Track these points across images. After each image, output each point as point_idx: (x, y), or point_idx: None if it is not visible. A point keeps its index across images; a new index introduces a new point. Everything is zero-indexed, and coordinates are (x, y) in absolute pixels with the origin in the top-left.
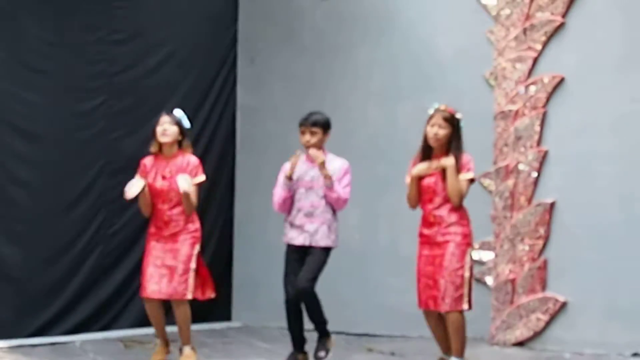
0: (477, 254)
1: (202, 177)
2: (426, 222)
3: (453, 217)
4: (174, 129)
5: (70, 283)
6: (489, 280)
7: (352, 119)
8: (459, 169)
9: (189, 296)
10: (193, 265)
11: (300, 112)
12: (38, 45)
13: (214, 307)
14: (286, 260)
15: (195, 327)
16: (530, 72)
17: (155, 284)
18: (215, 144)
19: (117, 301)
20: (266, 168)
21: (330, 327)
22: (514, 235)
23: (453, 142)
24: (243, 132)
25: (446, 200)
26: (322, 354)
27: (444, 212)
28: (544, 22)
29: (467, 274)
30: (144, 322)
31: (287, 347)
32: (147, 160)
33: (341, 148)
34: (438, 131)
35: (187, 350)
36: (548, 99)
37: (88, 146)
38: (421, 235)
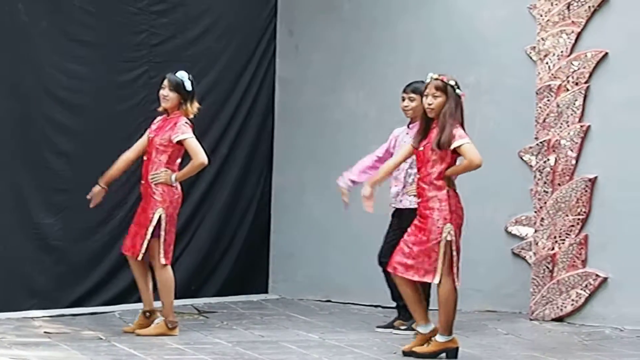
0: (517, 229)
1: (183, 136)
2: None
3: (433, 192)
4: (172, 95)
5: (110, 254)
6: (529, 255)
7: (391, 93)
8: (441, 144)
9: (140, 257)
10: (150, 228)
11: (339, 84)
12: (79, 16)
13: (250, 279)
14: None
15: (232, 298)
16: (573, 47)
17: (127, 238)
18: (254, 115)
19: None
20: (304, 139)
21: (372, 301)
22: (555, 210)
23: (443, 111)
24: (281, 103)
25: (429, 173)
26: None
27: (426, 185)
28: None
29: (442, 250)
30: (183, 293)
31: (326, 320)
32: (157, 119)
33: (379, 122)
34: (431, 101)
35: (157, 321)
36: (591, 74)
37: (129, 117)
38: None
